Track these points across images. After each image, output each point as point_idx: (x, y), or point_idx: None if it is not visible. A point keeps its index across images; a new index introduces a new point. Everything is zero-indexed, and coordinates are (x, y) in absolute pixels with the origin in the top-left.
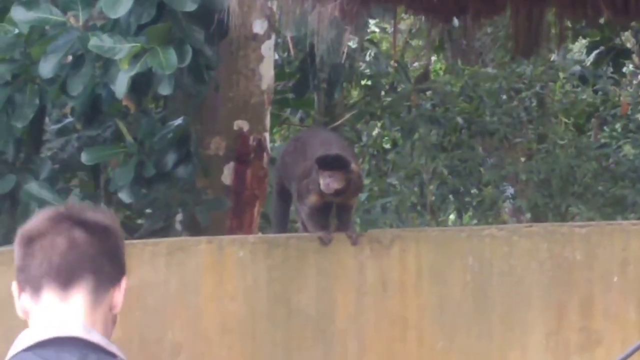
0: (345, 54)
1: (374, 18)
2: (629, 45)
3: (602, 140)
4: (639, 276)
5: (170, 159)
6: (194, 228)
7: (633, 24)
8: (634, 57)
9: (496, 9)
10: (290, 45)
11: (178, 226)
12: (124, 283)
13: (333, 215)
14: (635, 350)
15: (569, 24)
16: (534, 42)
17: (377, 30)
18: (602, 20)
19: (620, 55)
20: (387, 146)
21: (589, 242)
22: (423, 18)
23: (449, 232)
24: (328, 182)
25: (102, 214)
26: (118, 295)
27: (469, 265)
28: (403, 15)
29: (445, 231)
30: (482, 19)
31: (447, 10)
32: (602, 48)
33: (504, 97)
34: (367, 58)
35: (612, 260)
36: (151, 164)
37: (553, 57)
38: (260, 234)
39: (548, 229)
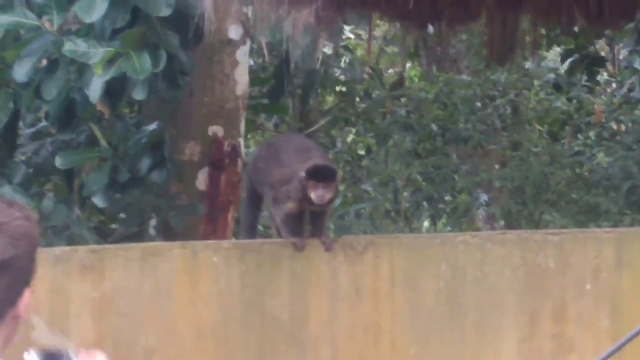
0: (320, 60)
1: (349, 24)
2: (603, 53)
3: (576, 148)
4: (612, 284)
5: (145, 163)
6: (167, 233)
7: (607, 32)
8: (608, 65)
9: (471, 16)
10: (265, 51)
11: (152, 231)
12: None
13: (307, 221)
14: (609, 355)
15: (543, 31)
16: (508, 49)
17: (352, 36)
18: (576, 28)
19: (594, 63)
20: (362, 152)
21: (562, 250)
22: (398, 25)
23: (423, 239)
24: (321, 194)
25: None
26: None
27: (442, 272)
28: (378, 21)
29: (418, 238)
30: (457, 25)
31: (422, 16)
32: (576, 56)
33: (479, 104)
34: (342, 64)
35: (585, 268)
36: (125, 168)
37: (527, 64)
38: (234, 240)
39: (521, 236)
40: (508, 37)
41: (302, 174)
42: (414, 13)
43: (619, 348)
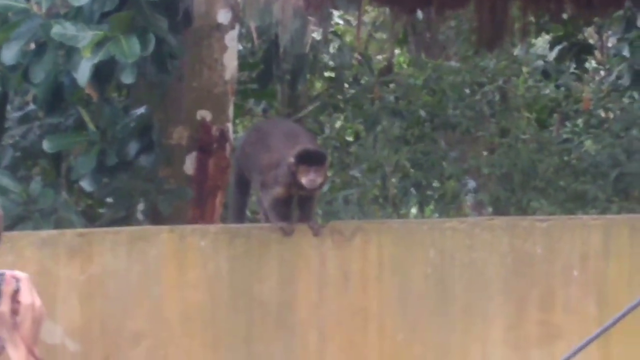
0: (309, 46)
1: (338, 9)
2: (591, 41)
3: (564, 136)
4: (599, 270)
5: (133, 148)
6: (155, 217)
7: (596, 19)
8: (597, 53)
9: (460, 2)
10: (254, 36)
11: (140, 215)
12: None
13: (295, 206)
14: (590, 341)
15: (532, 18)
16: (497, 35)
17: (341, 22)
18: (565, 16)
19: (583, 51)
20: (350, 138)
21: (550, 236)
22: (387, 10)
23: (411, 225)
24: (312, 178)
25: None
26: None
27: (431, 258)
28: (367, 7)
29: (407, 223)
30: (446, 11)
31: (411, 2)
32: (565, 43)
33: (467, 90)
34: (331, 50)
35: (573, 255)
36: (113, 152)
37: (516, 51)
38: (222, 224)
39: (509, 222)
40: (497, 23)
41: (292, 159)
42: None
43: (603, 332)
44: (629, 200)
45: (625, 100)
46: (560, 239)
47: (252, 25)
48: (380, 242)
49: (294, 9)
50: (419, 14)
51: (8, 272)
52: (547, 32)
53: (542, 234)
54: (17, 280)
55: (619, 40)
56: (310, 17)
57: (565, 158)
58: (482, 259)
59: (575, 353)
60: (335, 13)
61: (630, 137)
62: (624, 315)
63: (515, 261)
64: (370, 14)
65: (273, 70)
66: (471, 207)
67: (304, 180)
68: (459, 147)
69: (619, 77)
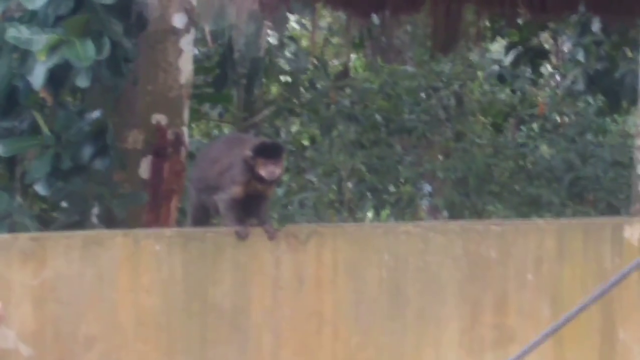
0: (264, 49)
1: (293, 13)
2: (546, 46)
3: (519, 140)
4: (553, 274)
5: (87, 151)
6: (110, 221)
7: (551, 24)
8: (552, 57)
9: (415, 6)
10: (209, 39)
11: (94, 219)
12: None
13: (249, 212)
14: (537, 344)
15: (487, 23)
16: (452, 39)
17: (297, 26)
18: (520, 20)
19: (538, 55)
20: (306, 143)
21: (504, 240)
22: (343, 15)
23: (366, 229)
24: (272, 170)
25: None
26: None
27: (385, 261)
28: (323, 11)
29: (361, 227)
30: (401, 15)
31: (367, 6)
32: (520, 48)
33: (423, 95)
34: (287, 54)
35: (527, 258)
36: (68, 156)
37: (471, 56)
38: (176, 228)
39: (464, 226)
40: (451, 27)
41: (249, 152)
42: (358, 1)
43: (554, 331)
44: (583, 204)
45: (580, 104)
46: (515, 243)
47: (208, 28)
48: (335, 246)
49: (249, 12)
50: (375, 18)
51: None
52: (503, 37)
53: (496, 237)
54: None
55: (574, 45)
56: (265, 21)
57: (520, 162)
58: (437, 262)
59: (525, 353)
60: (292, 17)
61: (585, 141)
62: (576, 314)
63: (469, 265)
64: (326, 18)
65: (229, 74)
66: (426, 212)
67: (263, 172)
68: (415, 152)
69: (573, 82)
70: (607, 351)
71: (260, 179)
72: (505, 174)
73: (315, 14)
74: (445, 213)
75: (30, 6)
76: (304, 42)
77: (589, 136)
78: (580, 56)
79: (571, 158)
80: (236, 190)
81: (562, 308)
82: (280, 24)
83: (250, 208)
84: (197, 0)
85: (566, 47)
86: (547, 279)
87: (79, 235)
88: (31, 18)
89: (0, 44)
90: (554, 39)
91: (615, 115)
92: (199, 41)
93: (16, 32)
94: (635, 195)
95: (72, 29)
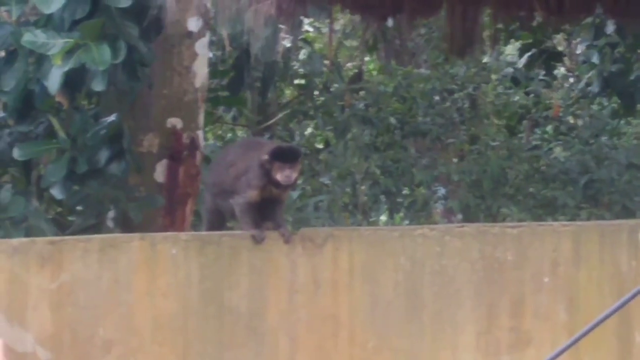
0: (280, 53)
1: (309, 17)
2: (560, 48)
3: (534, 142)
4: (569, 277)
5: (103, 155)
6: (126, 225)
7: (565, 27)
8: (566, 59)
9: (431, 10)
10: (226, 43)
11: (110, 223)
12: None
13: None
14: (563, 351)
15: (501, 26)
16: (468, 42)
17: (311, 29)
18: (534, 23)
19: (552, 58)
20: (320, 146)
21: (520, 243)
22: (358, 18)
23: (382, 232)
24: (288, 174)
25: None
26: None
27: (401, 265)
28: (338, 15)
29: (378, 231)
30: (417, 19)
31: (383, 9)
32: (534, 50)
33: (437, 98)
34: (301, 57)
35: (543, 261)
36: (84, 160)
37: (486, 59)
38: (192, 232)
39: (480, 229)
40: (468, 30)
41: (266, 157)
42: (375, 5)
43: (575, 342)
44: (598, 207)
45: (594, 107)
46: (531, 246)
47: (224, 32)
48: (351, 249)
49: (265, 16)
50: (390, 21)
51: None
52: (517, 40)
53: (512, 240)
54: None
55: (588, 47)
56: (281, 25)
57: (535, 165)
58: (453, 265)
59: None
60: (306, 20)
61: (600, 143)
62: (594, 327)
63: (485, 268)
64: (340, 21)
65: (244, 77)
66: (441, 214)
67: (279, 176)
68: (429, 155)
69: (588, 84)
70: (624, 355)
71: (277, 183)
72: (520, 177)
73: (331, 17)
74: (459, 216)
75: (46, 10)
76: (318, 45)
77: (604, 138)
78: (595, 58)
79: (586, 160)
80: (252, 194)
81: (579, 311)
82: (295, 28)
83: (266, 212)
84: (213, 5)
85: (580, 49)
86: (564, 282)
87: (95, 239)
88: (47, 22)
89: (16, 48)
90: (568, 41)
91: (630, 118)
92: (213, 45)
93: (32, 37)
94: None
95: (88, 33)
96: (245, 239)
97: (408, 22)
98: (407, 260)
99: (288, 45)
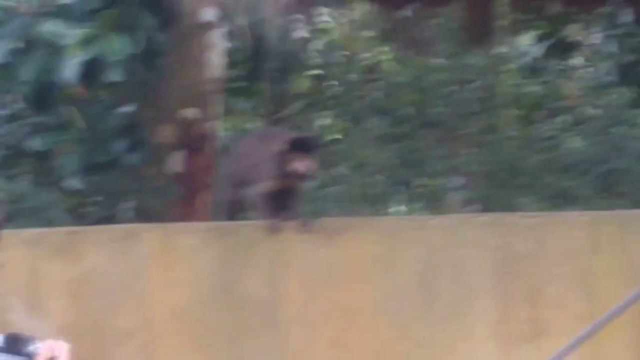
0: (296, 43)
1: (327, 6)
2: (578, 37)
3: (550, 132)
4: (587, 267)
5: (120, 146)
6: (143, 215)
7: (582, 16)
8: (583, 49)
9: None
10: (244, 34)
11: (127, 213)
12: None
13: (282, 203)
14: (581, 340)
15: (518, 15)
16: (485, 32)
17: (327, 19)
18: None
19: (568, 47)
20: (338, 136)
21: (538, 233)
22: (374, 7)
23: (399, 222)
24: (307, 164)
25: None
26: None
27: (418, 255)
28: (353, 4)
29: (394, 220)
30: (434, 8)
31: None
32: (551, 40)
33: (453, 88)
34: (317, 47)
35: (561, 251)
36: (101, 151)
37: (502, 48)
38: (209, 222)
39: (497, 219)
40: (485, 20)
41: (284, 146)
42: None
43: (593, 332)
44: (617, 196)
45: (614, 96)
46: (548, 235)
47: (240, 22)
48: (369, 239)
49: (282, 6)
50: (406, 10)
51: (50, 342)
52: (533, 29)
53: (529, 230)
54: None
55: (605, 36)
56: (297, 15)
57: (552, 154)
58: (470, 255)
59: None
60: (322, 10)
61: (618, 133)
62: (613, 316)
63: (502, 258)
64: (356, 11)
65: (260, 67)
66: (458, 204)
67: (298, 166)
68: (445, 145)
69: (606, 74)
70: None
71: (295, 173)
72: (537, 166)
73: (348, 6)
74: (476, 206)
75: (64, 0)
76: (334, 35)
77: (622, 128)
78: (613, 47)
79: (604, 150)
80: (269, 184)
81: (598, 301)
82: (311, 18)
83: (283, 202)
84: None
85: (596, 38)
86: (582, 272)
87: (113, 229)
88: (64, 12)
89: (31, 39)
90: (585, 30)
91: None
92: (230, 35)
93: (50, 27)
94: None
95: (105, 23)
96: (263, 229)
97: (425, 11)
98: (424, 250)
99: (304, 35)
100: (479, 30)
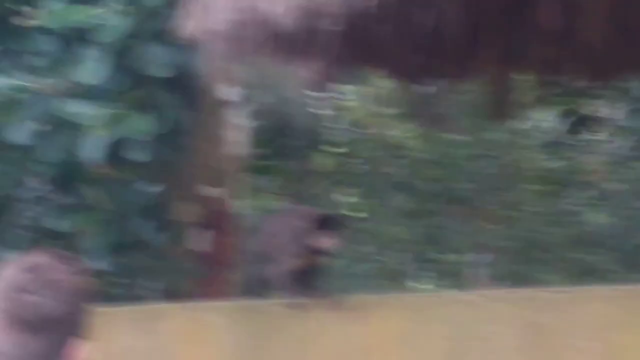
0: (318, 122)
1: (349, 83)
2: (601, 113)
3: (575, 207)
4: (617, 343)
5: (146, 226)
6: (169, 295)
7: (607, 92)
8: (607, 124)
9: (471, 74)
10: (268, 112)
11: (153, 293)
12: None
13: (307, 282)
14: None
15: (542, 91)
16: (508, 106)
17: (352, 96)
18: (575, 88)
19: (592, 122)
20: (363, 215)
21: (566, 308)
22: (394, 82)
23: (426, 298)
24: (329, 241)
25: None
26: None
27: (447, 332)
28: (374, 81)
29: (422, 297)
30: (455, 82)
31: (420, 73)
32: (575, 115)
33: (476, 164)
34: (342, 125)
35: (590, 326)
36: (127, 231)
37: (525, 124)
38: (234, 301)
39: (524, 294)
40: (508, 95)
41: (307, 225)
42: (415, 71)
43: None
44: None
45: (633, 171)
46: (577, 311)
47: (263, 101)
48: (398, 316)
49: (305, 84)
50: (425, 86)
51: None
52: (556, 104)
53: (558, 306)
54: None
55: (629, 111)
56: (320, 92)
57: (577, 230)
58: (498, 332)
59: None
60: (345, 87)
61: None
62: None
63: (532, 334)
64: (379, 87)
65: (284, 146)
66: (483, 280)
67: (320, 244)
68: (470, 221)
69: (630, 149)
70: None
71: (318, 251)
72: (561, 242)
73: (370, 84)
74: (504, 282)
75: (90, 81)
76: (358, 113)
77: None
78: (636, 122)
79: (628, 226)
80: (294, 262)
81: None
82: (334, 94)
83: (308, 280)
84: (252, 74)
85: (619, 113)
86: (611, 348)
87: (140, 308)
88: (88, 93)
89: (56, 120)
90: (610, 106)
91: None
92: (254, 113)
93: (74, 108)
94: None
95: (130, 103)
96: (289, 307)
97: (446, 86)
98: (452, 327)
99: (328, 112)
100: (501, 105)
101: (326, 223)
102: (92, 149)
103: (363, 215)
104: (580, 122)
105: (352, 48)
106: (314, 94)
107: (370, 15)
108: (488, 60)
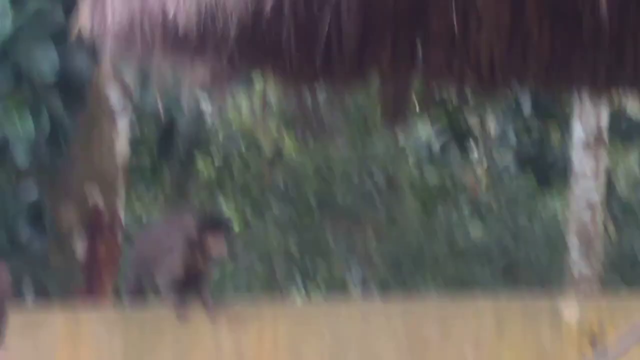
0: (204, 127)
1: (238, 85)
2: (478, 130)
3: (451, 221)
4: (493, 355)
5: (24, 232)
6: (46, 300)
7: (486, 108)
8: (480, 139)
9: (360, 77)
10: (153, 119)
11: (30, 299)
12: None
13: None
14: None
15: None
16: (400, 112)
17: (236, 104)
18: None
19: (467, 139)
20: (237, 226)
21: (444, 320)
22: (286, 89)
23: (306, 308)
24: (217, 245)
25: None
26: None
27: (326, 342)
28: (258, 88)
29: (301, 308)
30: (349, 87)
31: (315, 78)
32: (450, 132)
33: (356, 177)
34: (221, 135)
35: (466, 339)
36: (4, 236)
37: (405, 138)
38: (115, 308)
39: (404, 307)
40: (400, 100)
41: (194, 229)
42: (307, 74)
43: None
44: (517, 285)
45: (511, 185)
46: (455, 323)
47: (147, 109)
48: (275, 325)
49: (199, 86)
50: (315, 93)
51: None
52: (435, 119)
53: (436, 318)
54: None
55: (504, 127)
56: (206, 99)
57: (453, 244)
58: (378, 343)
59: None
60: (233, 94)
61: (517, 223)
62: None
63: (410, 345)
64: (264, 96)
65: (165, 155)
66: (360, 292)
67: (208, 248)
68: (348, 233)
69: (504, 164)
70: None
71: (206, 255)
72: (439, 256)
73: (264, 98)
74: (378, 293)
75: None
76: (242, 122)
77: (520, 219)
78: (511, 138)
79: (504, 240)
80: (177, 270)
81: None
82: (223, 99)
83: (190, 287)
84: (136, 81)
85: (495, 129)
86: (489, 358)
87: (18, 314)
88: None
89: None
90: (482, 124)
91: (547, 197)
92: (135, 122)
93: None
94: (570, 279)
95: (12, 106)
96: (170, 315)
97: (337, 94)
98: (331, 337)
99: (213, 120)
100: (394, 110)
101: (213, 227)
102: None
103: (242, 224)
104: (459, 137)
105: (245, 49)
106: (201, 99)
107: (264, 15)
108: (380, 62)
